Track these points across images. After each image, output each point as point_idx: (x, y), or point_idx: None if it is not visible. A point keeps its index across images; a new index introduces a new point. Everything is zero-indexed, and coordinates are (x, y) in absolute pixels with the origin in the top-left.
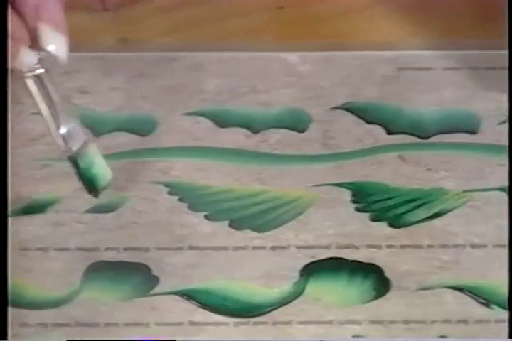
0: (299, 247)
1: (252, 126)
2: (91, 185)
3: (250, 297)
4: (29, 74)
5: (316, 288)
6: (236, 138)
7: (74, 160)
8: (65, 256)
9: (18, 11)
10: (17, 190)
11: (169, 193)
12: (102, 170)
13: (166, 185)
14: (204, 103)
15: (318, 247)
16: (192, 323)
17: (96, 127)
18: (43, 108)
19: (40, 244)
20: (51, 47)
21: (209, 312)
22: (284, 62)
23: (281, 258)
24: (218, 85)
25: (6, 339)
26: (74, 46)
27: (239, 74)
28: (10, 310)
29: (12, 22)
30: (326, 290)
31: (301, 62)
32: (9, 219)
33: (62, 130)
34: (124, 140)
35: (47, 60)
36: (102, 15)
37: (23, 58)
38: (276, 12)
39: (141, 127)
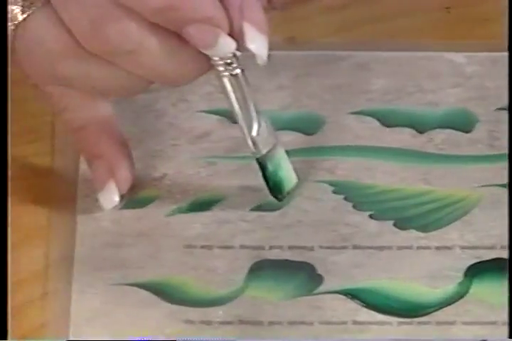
0: (463, 247)
1: (418, 125)
2: (277, 189)
3: (414, 297)
4: (226, 73)
5: (480, 288)
6: (402, 137)
7: (263, 163)
8: (229, 254)
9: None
10: (182, 188)
11: (334, 192)
12: (289, 174)
13: (331, 184)
14: (370, 102)
15: (483, 248)
16: (355, 322)
17: None
18: (237, 109)
19: (204, 241)
20: (253, 47)
21: (373, 312)
22: (451, 62)
23: (446, 259)
24: (384, 85)
25: (5, 339)
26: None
27: (405, 73)
28: (174, 307)
29: (214, 7)
30: (490, 291)
31: (467, 62)
32: (174, 217)
33: (254, 132)
34: (290, 138)
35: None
36: (269, 14)
37: (221, 45)
38: (443, 12)
39: (307, 126)
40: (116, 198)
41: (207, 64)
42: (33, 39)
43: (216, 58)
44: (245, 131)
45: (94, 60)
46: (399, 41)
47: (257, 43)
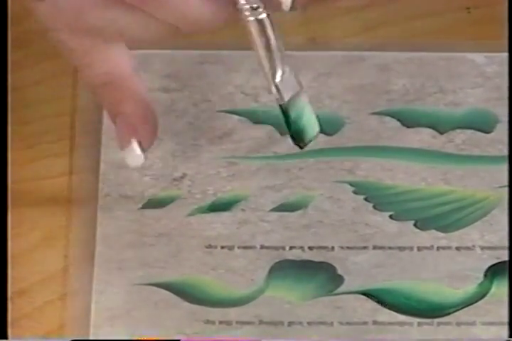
0: (483, 248)
1: (439, 126)
2: (299, 136)
3: (435, 297)
4: (252, 17)
5: (501, 288)
6: (422, 138)
7: (285, 110)
8: (250, 254)
9: None
10: (203, 188)
11: (355, 192)
12: (311, 121)
13: (351, 184)
14: (391, 103)
15: (504, 248)
16: (376, 323)
17: None
18: (261, 54)
19: (225, 241)
20: None
21: (393, 312)
22: (471, 62)
23: (466, 259)
24: (405, 85)
25: (6, 339)
26: None
27: (426, 74)
28: (194, 307)
29: None
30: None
31: (488, 62)
32: (194, 217)
33: (278, 78)
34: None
35: None
36: (290, 15)
37: None
38: (463, 12)
39: (328, 126)
40: (141, 156)
41: (233, 9)
42: None
43: (243, 2)
44: (269, 76)
45: (123, 7)
46: (419, 42)
47: None
